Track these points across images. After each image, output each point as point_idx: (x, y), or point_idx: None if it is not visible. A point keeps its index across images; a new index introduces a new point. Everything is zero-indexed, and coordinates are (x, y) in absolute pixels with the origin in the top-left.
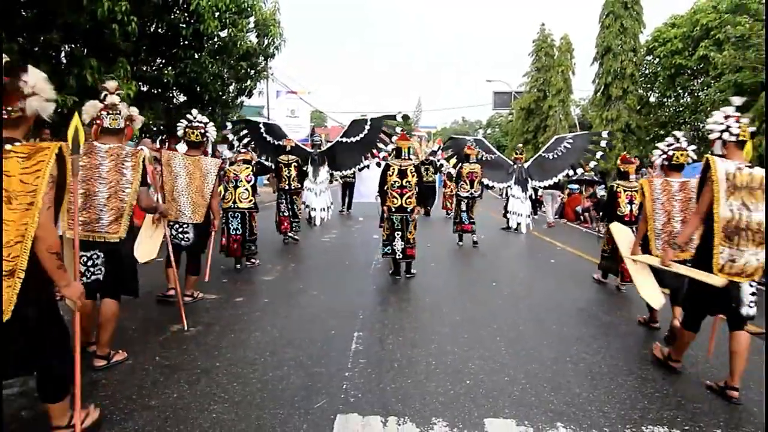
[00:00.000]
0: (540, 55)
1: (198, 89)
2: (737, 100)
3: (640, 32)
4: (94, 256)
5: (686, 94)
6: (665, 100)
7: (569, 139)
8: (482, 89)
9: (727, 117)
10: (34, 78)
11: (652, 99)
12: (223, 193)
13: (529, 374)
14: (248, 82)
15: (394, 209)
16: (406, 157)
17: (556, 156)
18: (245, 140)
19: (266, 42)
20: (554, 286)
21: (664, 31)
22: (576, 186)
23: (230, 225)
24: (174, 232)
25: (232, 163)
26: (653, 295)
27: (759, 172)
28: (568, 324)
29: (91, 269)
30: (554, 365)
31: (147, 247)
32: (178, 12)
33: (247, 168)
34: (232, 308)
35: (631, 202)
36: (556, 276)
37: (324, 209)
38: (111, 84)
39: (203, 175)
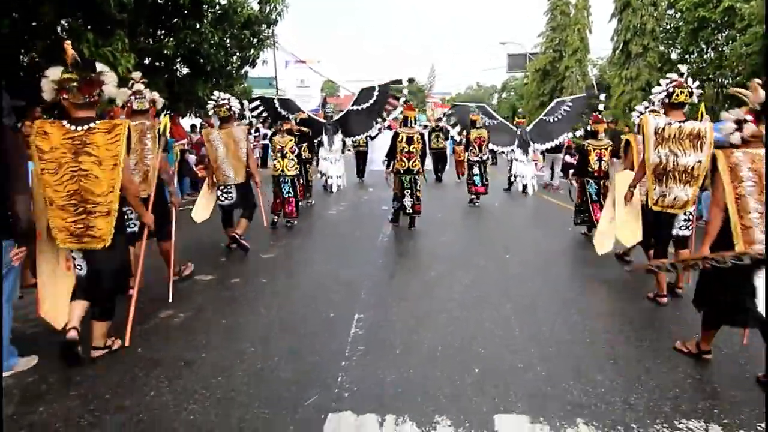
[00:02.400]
0: (555, 13)
1: (201, 61)
2: (683, 68)
3: None
4: (128, 211)
5: (710, 49)
6: (687, 56)
7: (569, 102)
8: (496, 52)
9: (670, 82)
10: (102, 69)
11: (673, 56)
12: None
13: (545, 359)
14: (252, 51)
15: (402, 171)
16: (412, 126)
17: (556, 119)
18: (257, 111)
19: (268, 9)
20: (571, 255)
21: None
22: None
23: (282, 189)
24: (220, 193)
25: (275, 134)
26: (605, 240)
27: (689, 125)
28: (587, 299)
29: (127, 223)
30: (572, 347)
31: (201, 210)
32: None
33: (291, 140)
34: (227, 290)
35: (600, 159)
36: (572, 243)
37: (339, 176)
38: (136, 74)
39: (236, 143)
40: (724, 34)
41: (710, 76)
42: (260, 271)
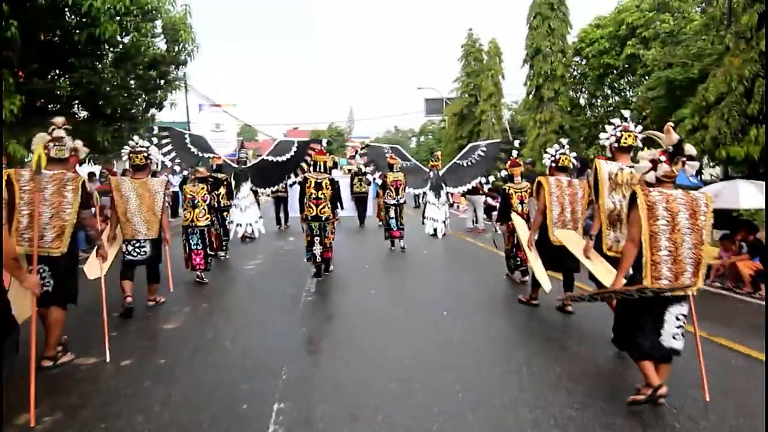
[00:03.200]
0: (469, 59)
1: (100, 103)
2: (626, 113)
3: (567, 33)
4: (41, 270)
5: (615, 93)
6: (594, 100)
7: (483, 147)
8: (413, 97)
9: (615, 128)
10: None
11: (582, 100)
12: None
13: None
14: (159, 93)
15: (310, 217)
16: (321, 171)
17: (470, 163)
18: (166, 149)
19: (177, 48)
20: (511, 305)
21: (590, 32)
22: None
23: (191, 241)
24: (130, 248)
25: (184, 182)
26: (545, 278)
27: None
28: (539, 361)
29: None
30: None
31: (96, 265)
32: (70, 16)
33: (203, 188)
34: (114, 377)
35: (521, 202)
36: (508, 292)
37: (251, 224)
38: (58, 119)
39: (152, 195)
40: (627, 80)
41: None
42: (158, 348)
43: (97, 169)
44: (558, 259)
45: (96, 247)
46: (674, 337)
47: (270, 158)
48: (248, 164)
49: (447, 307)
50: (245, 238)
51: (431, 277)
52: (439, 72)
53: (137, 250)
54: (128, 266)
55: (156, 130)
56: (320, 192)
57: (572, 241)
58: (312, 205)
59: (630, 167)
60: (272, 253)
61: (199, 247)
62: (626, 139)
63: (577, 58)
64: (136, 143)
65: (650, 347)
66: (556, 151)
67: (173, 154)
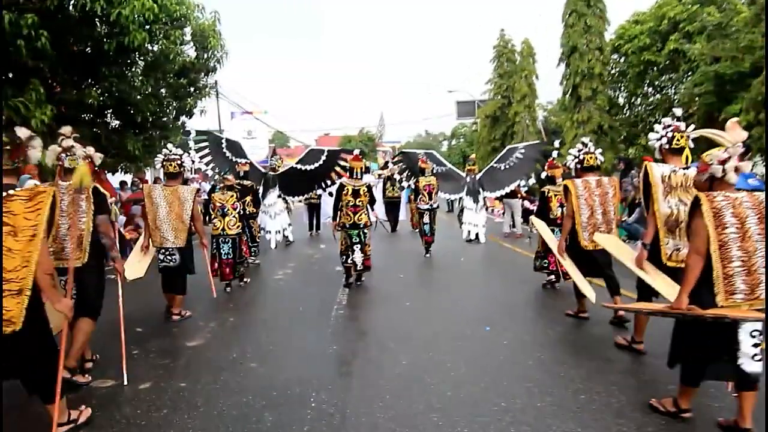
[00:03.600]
0: (502, 60)
1: (131, 111)
2: (678, 111)
3: (604, 30)
4: (62, 282)
5: (656, 91)
6: (634, 99)
7: (521, 149)
8: (445, 100)
9: (666, 127)
10: (24, 134)
11: (621, 99)
12: (212, 220)
13: None
14: (189, 101)
15: (348, 225)
16: (359, 177)
17: (508, 167)
18: (203, 152)
19: (206, 56)
20: (558, 318)
21: (628, 28)
22: None
23: (221, 250)
24: (162, 257)
25: (213, 190)
26: (588, 288)
27: (692, 172)
28: (597, 386)
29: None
30: None
31: (135, 267)
32: (100, 25)
33: (232, 196)
34: (130, 403)
35: (561, 206)
36: (553, 302)
37: (279, 231)
38: (66, 129)
39: (181, 203)
40: (670, 77)
41: (658, 117)
42: (179, 370)
43: (129, 177)
44: (593, 264)
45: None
46: (754, 358)
47: (299, 167)
48: (278, 171)
49: (489, 321)
50: (269, 244)
51: (470, 286)
52: (470, 74)
53: (168, 257)
54: (164, 274)
55: (194, 134)
56: (358, 199)
57: (618, 247)
58: (350, 213)
59: (683, 169)
60: (303, 261)
61: (230, 257)
62: (678, 140)
63: (614, 56)
64: (170, 151)
65: (720, 372)
66: (580, 151)
67: (209, 158)
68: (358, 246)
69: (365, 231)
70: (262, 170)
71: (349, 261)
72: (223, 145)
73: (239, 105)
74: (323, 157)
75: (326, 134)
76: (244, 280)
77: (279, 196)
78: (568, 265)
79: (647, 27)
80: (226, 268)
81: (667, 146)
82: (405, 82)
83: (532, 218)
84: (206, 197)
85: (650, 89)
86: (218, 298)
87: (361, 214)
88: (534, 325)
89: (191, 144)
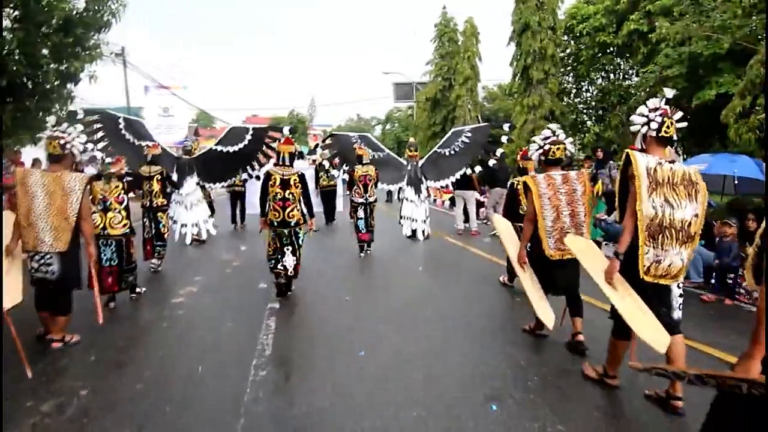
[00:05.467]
0: (443, 40)
1: None
2: (669, 92)
3: (557, 8)
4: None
5: (608, 75)
6: (585, 84)
7: (467, 133)
8: (379, 83)
9: (652, 110)
10: None
11: (566, 84)
12: None
13: None
14: (74, 62)
15: (276, 223)
16: (288, 164)
17: (453, 152)
18: (97, 136)
19: (97, 7)
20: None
21: (581, 8)
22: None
23: (102, 255)
24: (35, 264)
25: (98, 178)
26: (547, 311)
27: (679, 167)
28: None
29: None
30: None
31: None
32: None
33: (117, 187)
34: None
35: None
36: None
37: (196, 224)
38: None
39: (65, 194)
40: (626, 60)
41: (613, 103)
42: None
43: None
44: (558, 279)
45: None
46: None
47: (220, 148)
48: (195, 155)
49: (439, 345)
50: (194, 240)
51: (415, 293)
52: (407, 56)
53: (43, 265)
54: (39, 288)
55: (81, 114)
56: (287, 191)
57: (588, 254)
58: (278, 208)
59: (669, 162)
60: (216, 270)
61: (113, 264)
62: (669, 127)
63: (565, 37)
64: (54, 127)
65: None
66: (545, 139)
67: (105, 142)
68: (289, 248)
69: (298, 230)
70: (175, 154)
71: (279, 267)
72: (121, 126)
73: (153, 78)
74: (248, 136)
75: (254, 115)
76: (137, 290)
77: (197, 184)
78: (526, 278)
79: (603, 6)
80: (108, 278)
81: (654, 134)
82: (338, 62)
83: (494, 216)
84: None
85: (604, 73)
86: (92, 327)
87: (292, 210)
88: (491, 342)
89: (78, 126)
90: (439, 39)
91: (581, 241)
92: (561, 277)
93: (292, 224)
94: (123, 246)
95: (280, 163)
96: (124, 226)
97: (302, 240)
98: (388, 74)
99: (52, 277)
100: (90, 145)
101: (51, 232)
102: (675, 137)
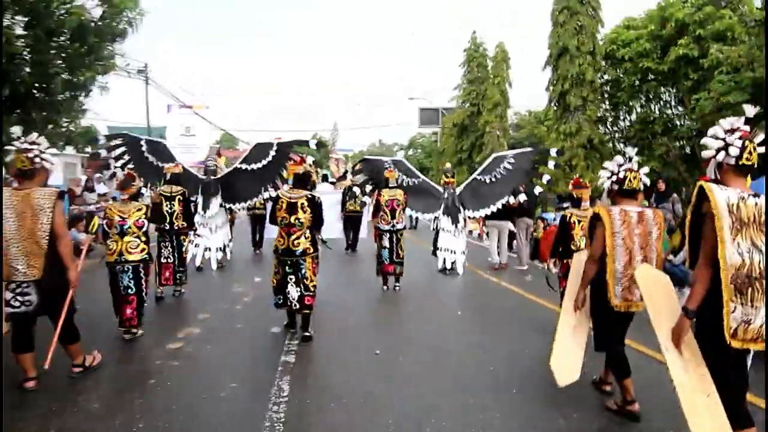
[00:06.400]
0: (472, 65)
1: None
2: (750, 110)
3: (597, 32)
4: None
5: (653, 103)
6: (621, 112)
7: (510, 159)
8: (403, 109)
9: (729, 132)
10: None
11: (609, 110)
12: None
13: None
14: (85, 73)
15: (280, 251)
16: (303, 187)
17: (494, 179)
18: (122, 161)
19: (111, 13)
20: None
21: (621, 32)
22: (553, 215)
23: (120, 283)
24: (9, 295)
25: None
26: (572, 366)
27: (761, 201)
28: None
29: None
30: None
31: None
32: None
33: (138, 210)
34: None
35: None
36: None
37: (220, 249)
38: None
39: (35, 214)
40: (674, 87)
41: (658, 132)
42: None
43: None
44: (618, 334)
45: None
46: None
47: (244, 166)
48: (218, 174)
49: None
50: (204, 263)
51: (457, 345)
52: (432, 83)
53: (19, 297)
54: (17, 324)
55: (103, 139)
56: (293, 216)
57: (658, 293)
58: (283, 235)
59: (753, 196)
60: (224, 306)
61: (131, 292)
62: (751, 152)
63: (603, 63)
64: (23, 139)
65: None
66: (620, 166)
67: (131, 166)
68: (292, 279)
69: (303, 260)
70: (201, 176)
71: (284, 302)
72: (144, 148)
73: (175, 97)
74: (272, 152)
75: (278, 138)
76: (133, 331)
77: (221, 205)
78: (569, 323)
79: (646, 31)
80: (127, 308)
81: (732, 161)
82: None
83: (578, 255)
84: (93, 208)
85: (641, 101)
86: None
87: (297, 237)
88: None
89: (103, 153)
90: (467, 64)
91: (656, 274)
92: (622, 333)
93: (297, 253)
94: (140, 274)
95: (293, 185)
96: (142, 251)
97: (307, 271)
98: (413, 99)
99: (29, 308)
100: (112, 162)
101: (23, 259)
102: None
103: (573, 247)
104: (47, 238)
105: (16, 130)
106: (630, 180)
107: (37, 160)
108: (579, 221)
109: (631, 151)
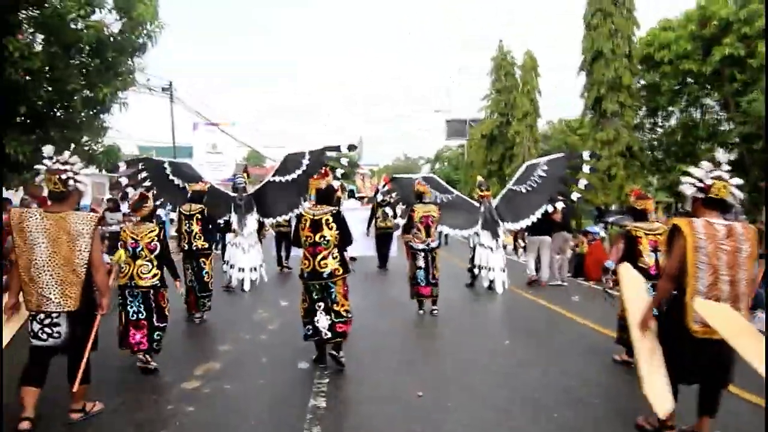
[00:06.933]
0: (500, 74)
1: (16, 98)
2: (722, 156)
3: (632, 34)
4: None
5: (694, 108)
6: (658, 119)
7: (543, 166)
8: (427, 121)
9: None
10: None
11: (646, 116)
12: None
13: None
14: (103, 89)
15: (306, 275)
16: (328, 203)
17: (530, 188)
18: (146, 184)
19: (130, 26)
20: None
21: (658, 34)
22: (598, 229)
23: (128, 308)
24: (36, 326)
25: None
26: (663, 394)
27: None
28: None
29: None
30: None
31: None
32: None
33: (151, 231)
34: None
35: (655, 250)
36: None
37: (254, 269)
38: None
39: (72, 240)
40: (720, 89)
41: (701, 138)
42: None
43: (11, 194)
44: (701, 363)
45: None
46: None
47: (277, 179)
48: (249, 191)
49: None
50: (236, 286)
51: (506, 380)
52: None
53: (48, 329)
54: (36, 358)
55: (123, 167)
56: (318, 234)
57: (738, 332)
58: (308, 256)
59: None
60: (247, 338)
61: (140, 317)
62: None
63: (640, 66)
64: (54, 158)
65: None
66: (709, 171)
67: (154, 191)
68: (321, 305)
69: (332, 283)
70: (232, 194)
71: (314, 333)
72: (167, 171)
73: (201, 114)
74: (305, 161)
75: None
76: (150, 364)
77: (258, 221)
78: (644, 349)
79: (686, 32)
80: (136, 334)
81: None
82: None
83: (622, 266)
84: (116, 227)
85: (681, 106)
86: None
87: (324, 258)
88: None
89: (123, 181)
90: (495, 73)
91: (718, 307)
92: (704, 362)
93: (325, 275)
94: (151, 298)
95: (320, 200)
96: (154, 276)
97: (337, 294)
98: (438, 112)
99: (57, 341)
100: (123, 181)
101: (58, 288)
102: None
103: (641, 265)
104: (86, 266)
105: (48, 149)
106: (718, 189)
107: (71, 182)
108: (646, 234)
109: (722, 155)
